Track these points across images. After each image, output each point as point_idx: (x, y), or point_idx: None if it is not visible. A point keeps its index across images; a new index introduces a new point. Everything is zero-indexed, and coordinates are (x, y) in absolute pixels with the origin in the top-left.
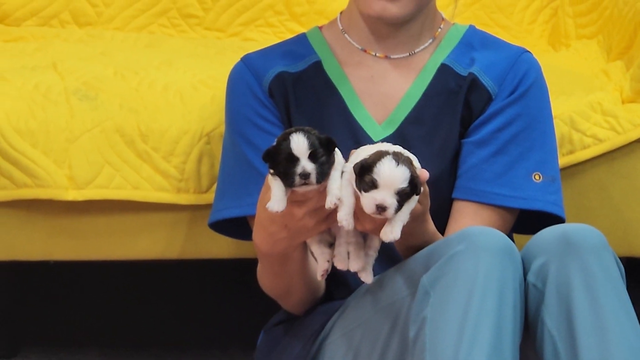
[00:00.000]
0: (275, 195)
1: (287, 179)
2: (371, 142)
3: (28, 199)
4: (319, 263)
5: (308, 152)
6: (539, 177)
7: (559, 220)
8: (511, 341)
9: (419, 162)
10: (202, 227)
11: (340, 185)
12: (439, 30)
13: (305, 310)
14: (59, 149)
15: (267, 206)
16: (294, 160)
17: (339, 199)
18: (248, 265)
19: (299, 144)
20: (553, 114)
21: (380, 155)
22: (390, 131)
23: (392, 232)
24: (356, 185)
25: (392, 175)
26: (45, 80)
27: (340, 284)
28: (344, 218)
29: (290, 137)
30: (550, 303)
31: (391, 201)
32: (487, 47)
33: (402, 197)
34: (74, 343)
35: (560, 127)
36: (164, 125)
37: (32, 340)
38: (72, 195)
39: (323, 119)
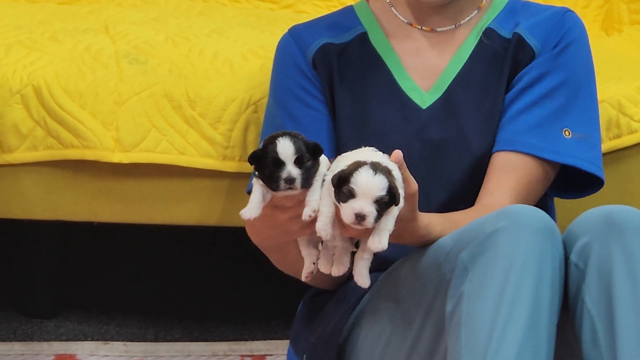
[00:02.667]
0: (252, 201)
1: (272, 182)
2: (418, 110)
3: (74, 160)
4: (305, 264)
5: (294, 157)
6: (569, 134)
7: (598, 180)
8: (548, 319)
9: (469, 128)
10: (244, 195)
11: (319, 196)
12: (484, 1)
13: (334, 286)
14: (107, 111)
15: (240, 212)
16: (280, 164)
17: (314, 211)
18: None
19: (286, 148)
20: (601, 97)
21: (357, 165)
22: (437, 96)
23: (379, 242)
24: (335, 197)
25: (369, 183)
26: (96, 43)
27: (378, 256)
28: (322, 228)
29: (277, 141)
30: (590, 283)
31: (370, 209)
32: (530, 11)
33: (381, 206)
34: (114, 306)
35: (608, 111)
36: (212, 92)
37: (73, 302)
38: (118, 157)
39: (367, 89)
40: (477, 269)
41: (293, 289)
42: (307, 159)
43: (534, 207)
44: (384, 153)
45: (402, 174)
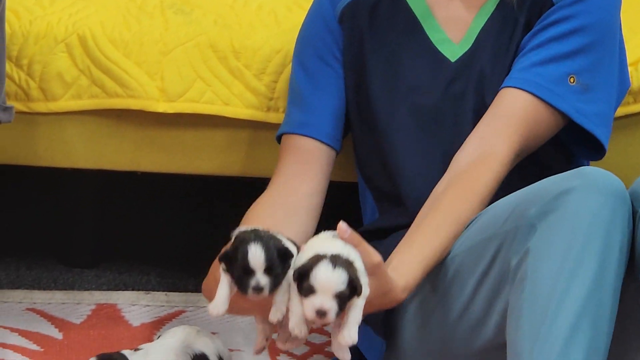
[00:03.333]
0: (219, 296)
1: (240, 286)
2: (448, 63)
3: (118, 109)
4: (258, 339)
5: (264, 265)
6: (573, 81)
7: (595, 141)
8: (613, 282)
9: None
10: None
11: (286, 297)
12: None
13: None
14: (152, 61)
15: (208, 307)
16: (249, 271)
17: (282, 313)
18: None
19: (256, 257)
20: (632, 59)
21: (316, 259)
22: (466, 48)
23: (349, 337)
24: (298, 292)
25: (328, 279)
26: None
27: None
28: (295, 327)
29: (248, 248)
30: None
31: (330, 305)
32: None
33: (342, 299)
34: (155, 257)
35: None
36: (257, 43)
37: (114, 252)
38: (162, 107)
39: (399, 43)
40: (545, 227)
41: None
42: (277, 266)
43: (608, 171)
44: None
45: (360, 250)
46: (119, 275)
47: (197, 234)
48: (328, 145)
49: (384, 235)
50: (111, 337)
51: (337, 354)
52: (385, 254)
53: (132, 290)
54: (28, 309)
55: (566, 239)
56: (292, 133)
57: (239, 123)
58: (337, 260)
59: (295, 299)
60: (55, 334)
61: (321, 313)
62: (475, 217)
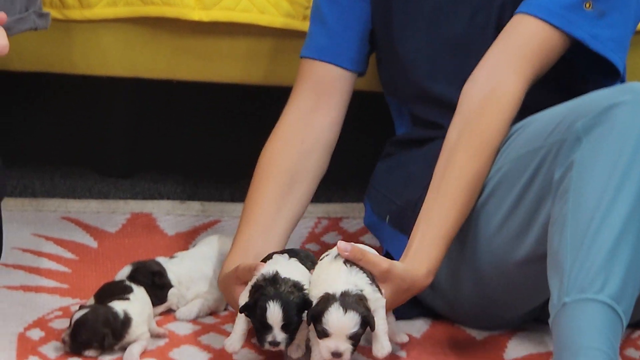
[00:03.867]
0: (236, 332)
1: (259, 338)
2: None
3: (154, 17)
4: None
5: (281, 323)
6: (589, 6)
7: (611, 66)
8: None
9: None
10: None
11: (304, 334)
12: None
13: None
14: None
15: (224, 343)
16: (267, 327)
17: (303, 351)
18: (362, 98)
19: (275, 314)
20: None
21: (326, 301)
22: None
23: (383, 348)
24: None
25: (340, 324)
26: None
27: None
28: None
29: (267, 306)
30: None
31: (345, 347)
32: None
33: (356, 339)
34: (190, 166)
35: None
36: None
37: (149, 161)
38: (198, 15)
39: None
40: (591, 140)
41: (370, 153)
42: (295, 322)
43: None
44: None
45: (364, 263)
46: (154, 185)
47: (233, 144)
48: (351, 70)
49: (419, 145)
50: (146, 246)
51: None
52: (423, 163)
53: (167, 199)
54: (63, 218)
55: (613, 153)
56: (314, 59)
57: (275, 32)
58: (347, 301)
59: (314, 338)
60: (90, 242)
61: (337, 355)
62: (520, 129)
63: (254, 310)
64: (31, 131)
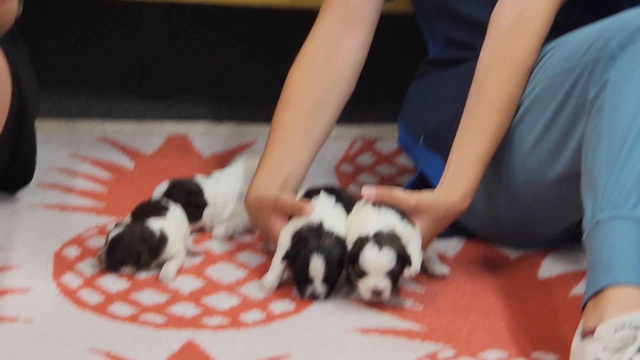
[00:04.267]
0: (274, 272)
1: (299, 287)
2: None
3: None
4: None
5: (323, 276)
6: None
7: None
8: None
9: None
10: None
11: None
12: None
13: None
14: None
15: (262, 281)
16: (308, 279)
17: None
18: (396, 20)
19: (317, 268)
20: None
21: (361, 243)
22: None
23: (440, 269)
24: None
25: (377, 262)
26: None
27: None
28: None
29: (310, 259)
30: None
31: (384, 284)
32: None
33: (394, 275)
34: (226, 88)
35: None
36: None
37: (185, 83)
38: None
39: None
40: (626, 58)
41: (404, 74)
42: (335, 275)
43: None
44: None
45: (393, 202)
46: (190, 107)
47: (268, 65)
48: None
49: (452, 66)
50: (182, 167)
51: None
52: (456, 84)
53: (203, 120)
54: (99, 139)
55: None
56: None
57: None
58: (380, 240)
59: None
60: (127, 163)
61: (377, 293)
62: (553, 48)
63: (296, 261)
64: (68, 53)
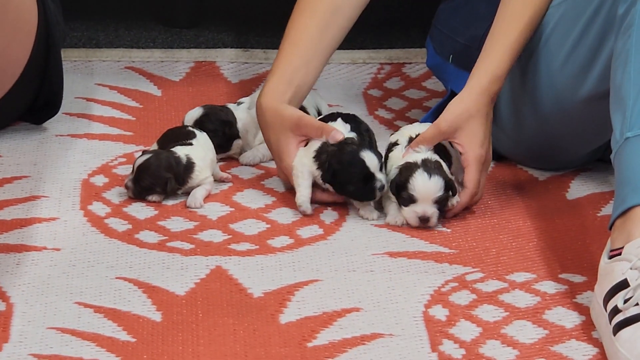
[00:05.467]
0: (304, 194)
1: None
2: None
3: None
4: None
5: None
6: None
7: None
8: None
9: None
10: None
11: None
12: None
13: None
14: None
15: (298, 203)
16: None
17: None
18: None
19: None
20: None
21: (410, 169)
22: None
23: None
24: (397, 200)
25: (427, 187)
26: None
27: None
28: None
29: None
30: None
31: (432, 211)
32: None
33: (442, 203)
34: (253, 16)
35: None
36: None
37: (212, 11)
38: None
39: None
40: None
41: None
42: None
43: None
44: None
45: (427, 142)
46: (217, 35)
47: None
48: None
49: None
50: (210, 94)
51: None
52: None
53: (231, 48)
54: (127, 67)
55: None
56: None
57: None
58: (430, 167)
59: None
60: (154, 90)
61: (424, 220)
62: None
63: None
64: None
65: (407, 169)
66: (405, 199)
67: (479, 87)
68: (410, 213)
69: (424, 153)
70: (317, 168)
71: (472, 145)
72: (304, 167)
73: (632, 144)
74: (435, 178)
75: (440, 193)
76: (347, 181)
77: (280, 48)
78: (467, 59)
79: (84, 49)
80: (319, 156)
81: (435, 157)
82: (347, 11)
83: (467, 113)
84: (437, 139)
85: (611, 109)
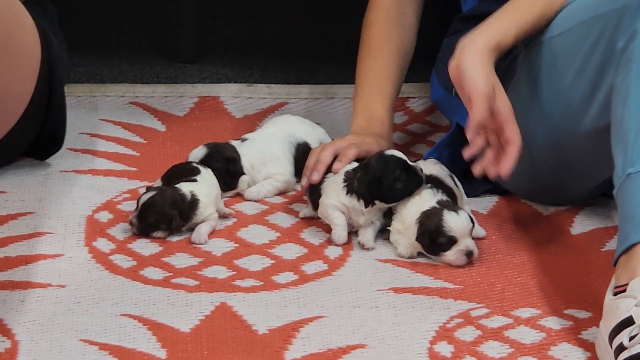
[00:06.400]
0: (341, 226)
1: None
2: None
3: None
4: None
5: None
6: None
7: None
8: None
9: None
10: None
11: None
12: None
13: None
14: None
15: (333, 238)
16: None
17: None
18: None
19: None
20: None
21: (435, 214)
22: None
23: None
24: (428, 251)
25: (461, 223)
26: None
27: None
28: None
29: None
30: None
31: (472, 243)
32: None
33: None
34: (257, 51)
35: None
36: None
37: (216, 46)
38: None
39: None
40: None
41: (437, 33)
42: None
43: None
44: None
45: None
46: (221, 69)
47: (299, 27)
48: None
49: (485, 19)
50: (214, 129)
51: None
52: None
53: (235, 83)
54: (131, 103)
55: None
56: None
57: None
58: (450, 206)
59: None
60: (159, 126)
61: (470, 254)
62: None
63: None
64: (99, 17)
65: (432, 216)
66: (445, 243)
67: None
68: (455, 254)
69: (432, 198)
70: (351, 194)
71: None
72: (334, 205)
73: (634, 180)
74: (462, 213)
75: (471, 224)
76: (393, 179)
77: (356, 89)
78: None
79: (88, 84)
80: (349, 184)
81: (445, 197)
82: (408, 53)
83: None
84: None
85: (612, 144)
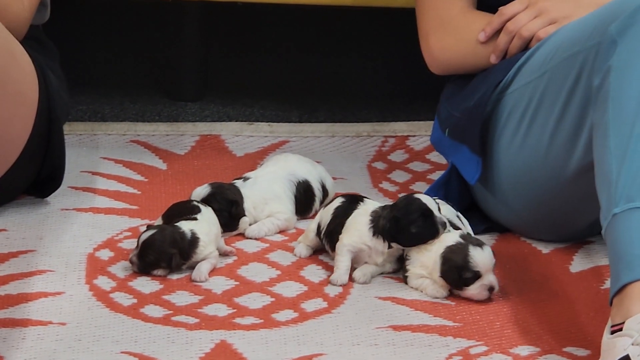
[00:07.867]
0: (343, 268)
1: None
2: None
3: None
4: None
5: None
6: None
7: None
8: None
9: None
10: None
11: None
12: None
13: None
14: None
15: (332, 280)
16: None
17: None
18: None
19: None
20: None
21: (461, 250)
22: None
23: None
24: (452, 285)
25: (486, 259)
26: None
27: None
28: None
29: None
30: None
31: (495, 280)
32: None
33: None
34: (258, 89)
35: None
36: None
37: (217, 85)
38: None
39: None
40: (626, 42)
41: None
42: None
43: None
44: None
45: None
46: (222, 108)
47: (299, 66)
48: None
49: None
50: (215, 167)
51: None
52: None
53: (236, 121)
54: (132, 141)
55: None
56: None
57: None
58: (475, 241)
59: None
60: (160, 164)
61: (492, 289)
62: (559, 34)
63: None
64: (100, 56)
65: (458, 251)
66: (470, 277)
67: None
68: (478, 288)
69: (453, 233)
70: (377, 235)
71: None
72: (351, 247)
73: (620, 220)
74: (486, 248)
75: (494, 259)
76: (409, 222)
77: None
78: (460, 131)
79: (89, 123)
80: (376, 224)
81: (465, 231)
82: None
83: None
84: None
85: (597, 186)
